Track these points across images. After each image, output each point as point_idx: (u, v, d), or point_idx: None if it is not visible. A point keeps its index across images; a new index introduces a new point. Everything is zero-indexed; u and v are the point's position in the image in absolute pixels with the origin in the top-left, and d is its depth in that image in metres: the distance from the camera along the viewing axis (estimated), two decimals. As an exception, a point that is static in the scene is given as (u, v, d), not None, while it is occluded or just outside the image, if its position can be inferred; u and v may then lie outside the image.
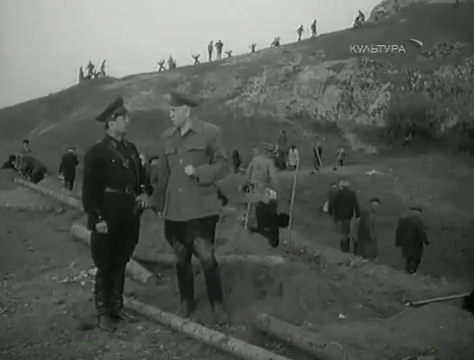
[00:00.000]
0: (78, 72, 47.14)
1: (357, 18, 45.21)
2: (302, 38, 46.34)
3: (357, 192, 13.93)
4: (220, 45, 46.93)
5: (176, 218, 4.53)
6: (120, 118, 4.56)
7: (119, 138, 4.60)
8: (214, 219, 4.62)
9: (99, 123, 4.63)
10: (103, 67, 47.39)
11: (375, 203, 12.18)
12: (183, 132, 4.55)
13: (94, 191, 4.45)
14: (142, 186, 4.74)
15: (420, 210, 12.26)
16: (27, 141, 17.81)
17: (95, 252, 4.58)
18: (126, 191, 4.55)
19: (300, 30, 46.39)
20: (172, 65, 47.22)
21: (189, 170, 4.38)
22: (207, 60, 47.04)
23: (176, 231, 4.59)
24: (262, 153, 9.39)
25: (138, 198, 4.66)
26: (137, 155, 4.80)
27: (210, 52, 47.00)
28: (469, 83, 34.39)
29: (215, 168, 4.52)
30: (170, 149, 4.59)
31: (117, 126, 4.56)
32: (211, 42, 46.88)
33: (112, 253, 4.52)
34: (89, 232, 4.64)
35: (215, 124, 4.77)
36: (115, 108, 4.56)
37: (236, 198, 12.41)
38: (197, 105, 4.83)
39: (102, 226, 4.38)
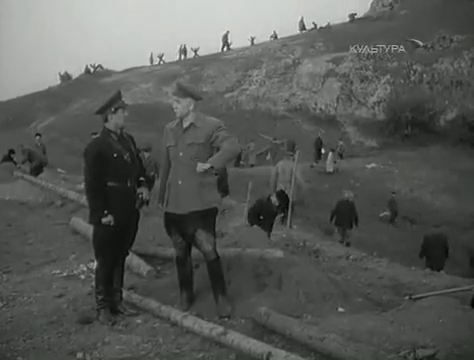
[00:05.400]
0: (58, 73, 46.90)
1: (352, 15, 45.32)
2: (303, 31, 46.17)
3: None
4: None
5: (175, 210, 4.51)
6: (120, 111, 4.55)
7: (118, 131, 4.60)
8: (214, 211, 4.59)
9: (98, 116, 4.61)
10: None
11: None
12: (185, 125, 4.53)
13: (97, 185, 4.44)
14: (141, 179, 4.73)
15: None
16: (40, 135, 17.70)
17: (97, 246, 4.57)
18: (128, 185, 4.55)
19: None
20: (183, 52, 46.98)
21: (200, 167, 4.24)
22: (219, 50, 46.53)
23: (176, 223, 4.57)
24: (288, 158, 10.55)
25: (139, 191, 4.66)
26: (135, 146, 4.79)
27: (226, 43, 46.40)
28: (468, 76, 34.32)
29: (224, 149, 4.36)
30: (171, 142, 4.57)
31: (117, 119, 4.55)
32: (227, 31, 46.17)
33: (114, 247, 4.52)
34: (89, 225, 4.61)
35: (214, 118, 4.73)
36: (115, 102, 4.54)
37: (239, 191, 12.50)
38: (201, 99, 4.77)
39: (108, 220, 4.38)
